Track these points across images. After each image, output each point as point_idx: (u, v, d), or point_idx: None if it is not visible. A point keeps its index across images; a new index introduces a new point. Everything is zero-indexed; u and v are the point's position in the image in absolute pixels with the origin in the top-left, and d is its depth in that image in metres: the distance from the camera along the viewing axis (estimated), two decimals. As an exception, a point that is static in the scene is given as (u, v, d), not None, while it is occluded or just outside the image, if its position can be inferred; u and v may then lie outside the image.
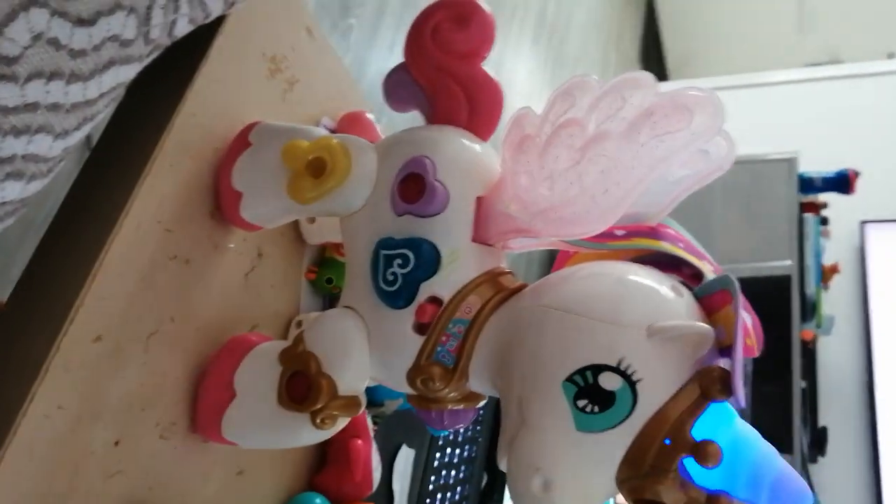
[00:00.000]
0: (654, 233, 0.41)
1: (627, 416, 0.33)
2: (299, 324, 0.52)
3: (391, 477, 0.63)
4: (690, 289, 0.38)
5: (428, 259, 0.39)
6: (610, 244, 0.41)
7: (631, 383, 0.33)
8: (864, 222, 2.67)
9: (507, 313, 0.39)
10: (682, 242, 0.42)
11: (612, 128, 0.37)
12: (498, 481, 0.81)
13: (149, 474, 0.40)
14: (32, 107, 0.30)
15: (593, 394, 0.33)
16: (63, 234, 0.39)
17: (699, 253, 0.42)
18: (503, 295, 0.40)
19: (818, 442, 2.20)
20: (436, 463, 0.70)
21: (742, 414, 0.37)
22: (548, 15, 2.34)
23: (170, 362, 0.41)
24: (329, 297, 0.57)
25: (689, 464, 0.32)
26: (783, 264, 2.09)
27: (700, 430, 0.33)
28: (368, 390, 0.43)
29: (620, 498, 0.38)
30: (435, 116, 0.44)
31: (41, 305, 0.36)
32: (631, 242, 0.41)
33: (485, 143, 0.44)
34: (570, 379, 0.33)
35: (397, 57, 0.45)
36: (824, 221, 2.35)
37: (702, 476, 0.32)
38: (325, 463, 0.55)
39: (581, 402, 0.33)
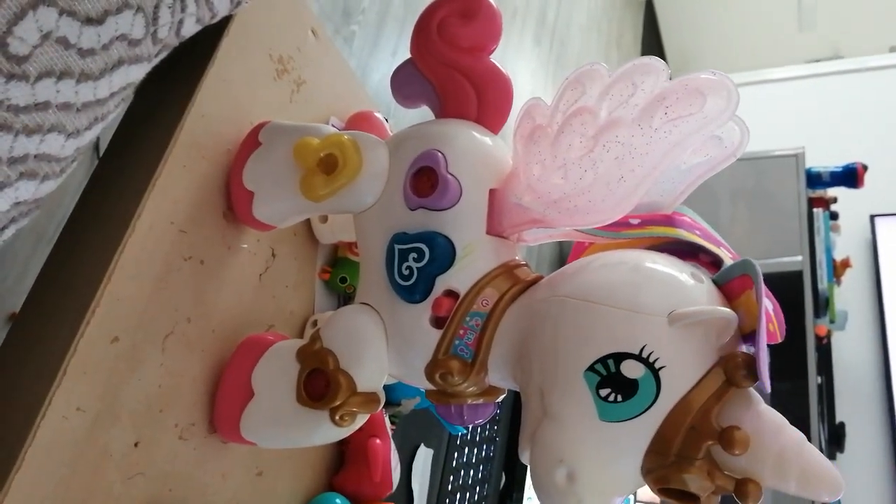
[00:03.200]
0: (669, 220, 0.41)
1: (651, 405, 0.32)
2: (314, 323, 0.52)
3: (410, 477, 0.62)
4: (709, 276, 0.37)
5: (443, 252, 0.39)
6: (625, 233, 0.40)
7: (654, 371, 0.32)
8: (873, 216, 2.65)
9: (524, 305, 0.39)
10: (698, 230, 0.41)
11: (624, 114, 0.37)
12: (516, 481, 0.80)
13: (168, 476, 0.40)
14: (43, 106, 0.30)
15: (616, 382, 0.32)
16: (76, 238, 0.39)
17: (716, 240, 0.41)
18: (520, 287, 0.40)
19: (836, 438, 2.18)
20: (454, 463, 0.69)
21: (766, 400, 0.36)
22: (548, 16, 2.34)
23: (187, 363, 0.41)
24: (343, 297, 0.57)
25: (716, 451, 0.32)
26: (794, 260, 2.08)
27: (726, 416, 0.32)
28: (385, 390, 0.42)
29: (640, 493, 0.37)
30: (444, 111, 0.44)
31: (57, 308, 0.36)
32: (647, 231, 0.40)
33: (495, 136, 0.44)
34: (591, 368, 0.33)
35: (400, 62, 0.45)
36: (834, 216, 2.33)
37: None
38: (344, 463, 0.55)
39: (604, 392, 0.33)
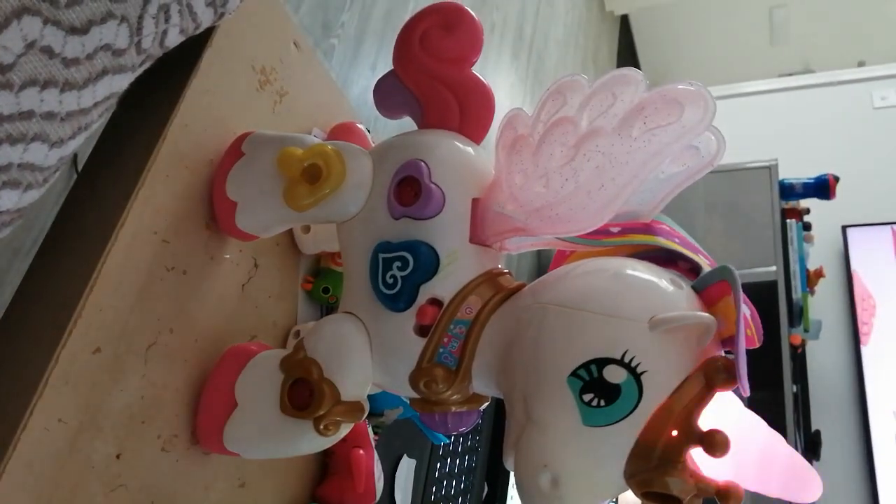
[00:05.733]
0: (649, 229, 0.41)
1: (634, 409, 0.33)
2: (297, 334, 0.52)
3: (393, 487, 0.62)
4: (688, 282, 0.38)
5: (427, 261, 0.39)
6: (606, 241, 0.41)
7: (636, 375, 0.33)
8: (845, 227, 2.70)
9: (507, 313, 0.39)
10: (676, 237, 0.42)
11: (604, 124, 0.38)
12: (499, 491, 0.80)
13: (150, 488, 0.39)
14: (27, 115, 0.30)
15: (599, 387, 0.33)
16: (57, 248, 0.39)
17: (694, 247, 0.42)
18: (503, 295, 0.40)
19: (812, 446, 2.20)
20: (437, 473, 0.69)
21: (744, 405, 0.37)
22: (526, 31, 2.37)
23: (170, 373, 0.41)
24: (326, 307, 0.57)
25: (698, 454, 0.32)
26: (768, 270, 2.10)
27: (707, 419, 0.33)
28: (368, 400, 0.42)
29: (623, 499, 0.37)
30: (427, 121, 0.44)
31: (38, 319, 0.36)
32: (627, 238, 0.41)
33: (477, 146, 0.44)
34: (574, 374, 0.33)
35: (380, 76, 0.46)
36: (807, 227, 2.37)
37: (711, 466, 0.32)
38: (327, 474, 0.55)
39: (587, 397, 0.33)
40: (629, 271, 0.37)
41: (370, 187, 0.42)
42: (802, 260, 2.24)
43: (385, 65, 0.44)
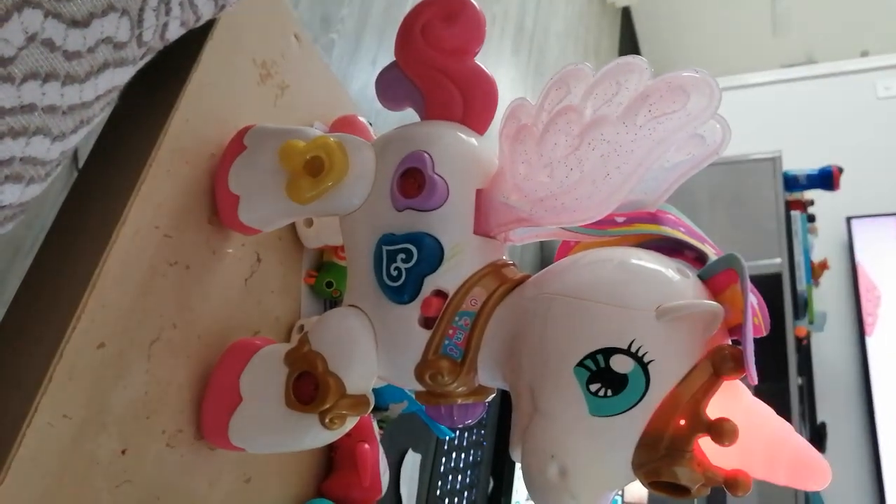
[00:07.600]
0: (654, 218, 0.41)
1: (641, 399, 0.32)
2: (301, 328, 0.52)
3: (399, 482, 0.62)
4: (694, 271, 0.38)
5: (431, 252, 0.39)
6: (611, 231, 0.41)
7: (643, 365, 0.32)
8: (849, 218, 2.69)
9: (512, 304, 0.39)
10: (682, 227, 0.42)
11: (609, 112, 0.37)
12: (504, 485, 0.80)
13: (156, 483, 0.39)
14: (29, 108, 0.30)
15: (606, 377, 0.33)
16: (60, 244, 0.39)
17: (700, 236, 0.42)
18: (507, 286, 0.40)
19: (818, 437, 2.20)
20: (442, 468, 0.69)
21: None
22: (526, 24, 2.36)
23: (173, 369, 0.41)
24: (329, 301, 0.57)
25: (706, 443, 0.32)
26: (773, 262, 2.10)
27: (714, 408, 0.32)
28: (373, 394, 0.42)
29: (628, 495, 0.37)
30: (429, 112, 0.44)
31: (42, 315, 0.36)
32: (632, 228, 0.41)
33: (480, 137, 0.44)
34: (581, 364, 0.33)
35: (381, 69, 0.45)
36: (811, 219, 2.36)
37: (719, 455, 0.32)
38: (333, 469, 0.55)
39: (594, 387, 0.33)
40: (635, 261, 0.36)
41: (373, 179, 0.42)
42: (807, 252, 2.23)
43: (385, 59, 0.43)
